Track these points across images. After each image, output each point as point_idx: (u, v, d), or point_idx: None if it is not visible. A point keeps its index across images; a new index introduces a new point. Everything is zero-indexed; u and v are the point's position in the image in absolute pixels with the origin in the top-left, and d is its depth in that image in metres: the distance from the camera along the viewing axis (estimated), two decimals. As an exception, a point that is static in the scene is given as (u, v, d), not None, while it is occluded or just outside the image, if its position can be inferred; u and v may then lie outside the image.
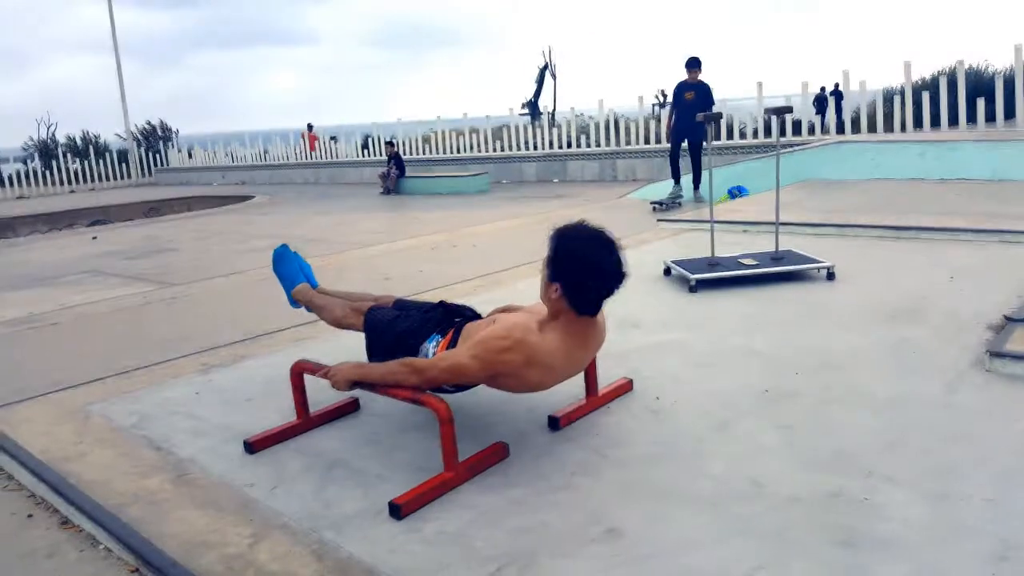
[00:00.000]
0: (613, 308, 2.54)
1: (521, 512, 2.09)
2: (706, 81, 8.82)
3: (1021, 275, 4.11)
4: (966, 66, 12.41)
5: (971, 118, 11.10)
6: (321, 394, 2.82)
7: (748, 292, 4.22)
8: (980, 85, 14.02)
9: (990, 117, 11.59)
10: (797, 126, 13.28)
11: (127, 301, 5.48)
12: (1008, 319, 3.31)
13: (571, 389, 2.80)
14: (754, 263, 4.54)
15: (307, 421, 2.73)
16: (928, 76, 18.82)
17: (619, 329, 2.49)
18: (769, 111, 4.38)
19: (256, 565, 1.93)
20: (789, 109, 4.35)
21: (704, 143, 9.01)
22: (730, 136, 13.13)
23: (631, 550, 1.88)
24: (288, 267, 3.18)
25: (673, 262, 4.70)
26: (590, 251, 2.28)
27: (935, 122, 12.21)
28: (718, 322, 3.75)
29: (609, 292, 2.31)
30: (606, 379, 2.85)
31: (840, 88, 16.36)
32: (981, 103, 11.02)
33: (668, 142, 9.49)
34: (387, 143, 17.14)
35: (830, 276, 4.35)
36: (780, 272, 4.43)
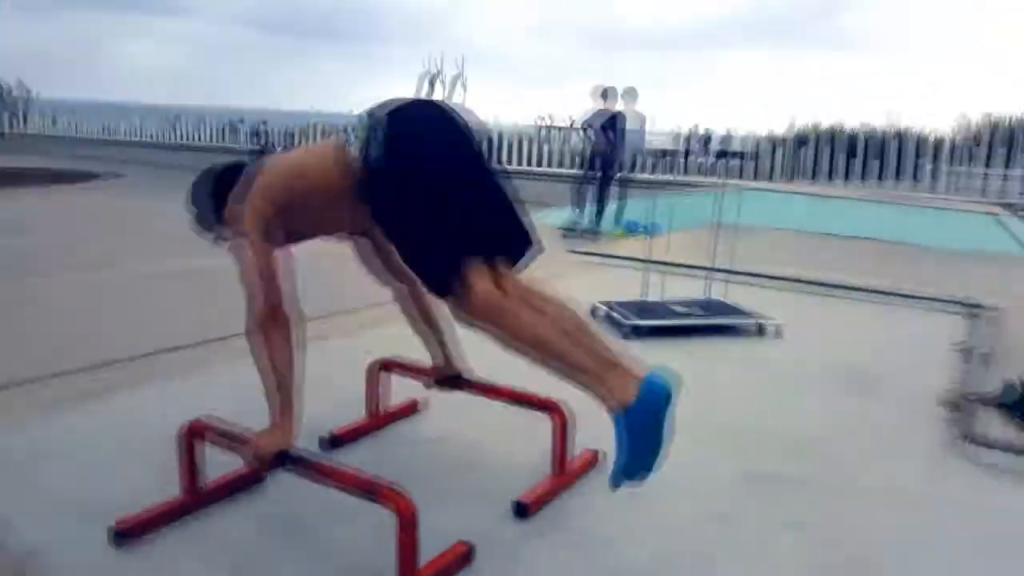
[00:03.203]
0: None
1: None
2: (622, 110, 8.62)
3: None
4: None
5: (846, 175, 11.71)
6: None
7: (685, 346, 3.91)
8: (852, 147, 14.73)
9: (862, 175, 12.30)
10: (684, 166, 13.71)
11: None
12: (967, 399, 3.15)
13: (534, 462, 2.35)
14: (687, 311, 4.28)
15: (197, 497, 2.09)
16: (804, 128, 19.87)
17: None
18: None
19: None
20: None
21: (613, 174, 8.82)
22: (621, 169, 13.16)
23: None
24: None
25: (602, 303, 4.37)
26: None
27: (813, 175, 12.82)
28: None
29: None
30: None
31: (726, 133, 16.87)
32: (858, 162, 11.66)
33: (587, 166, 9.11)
34: (253, 133, 15.66)
35: (761, 331, 4.16)
36: (717, 324, 4.20)
